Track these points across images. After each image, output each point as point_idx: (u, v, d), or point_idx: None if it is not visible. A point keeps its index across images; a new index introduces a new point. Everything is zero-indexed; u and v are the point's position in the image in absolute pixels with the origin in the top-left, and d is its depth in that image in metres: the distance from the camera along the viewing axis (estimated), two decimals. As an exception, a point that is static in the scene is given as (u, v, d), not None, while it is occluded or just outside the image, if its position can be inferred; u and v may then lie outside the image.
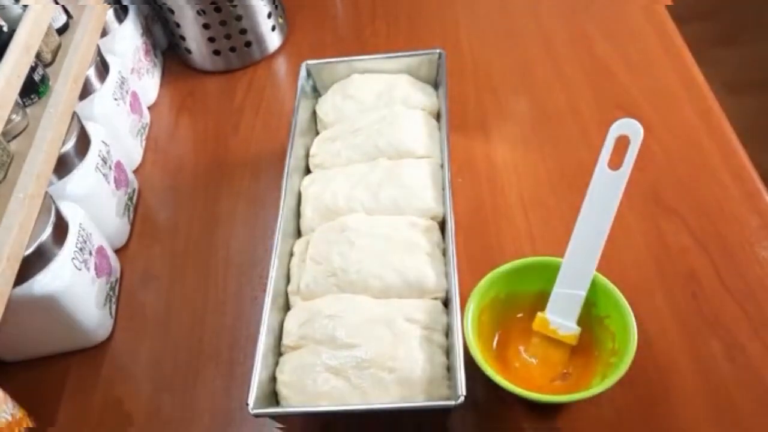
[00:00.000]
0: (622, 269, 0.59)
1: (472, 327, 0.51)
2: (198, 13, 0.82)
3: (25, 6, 0.60)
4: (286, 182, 0.62)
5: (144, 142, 0.81)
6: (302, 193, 0.64)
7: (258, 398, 0.49)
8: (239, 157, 0.78)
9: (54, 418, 0.58)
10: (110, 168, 0.68)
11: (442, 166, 0.64)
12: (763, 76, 1.81)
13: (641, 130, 0.48)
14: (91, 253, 0.61)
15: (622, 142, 0.48)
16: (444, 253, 0.58)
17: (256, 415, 0.48)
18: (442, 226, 0.60)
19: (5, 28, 0.58)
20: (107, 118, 0.71)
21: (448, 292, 0.55)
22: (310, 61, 0.73)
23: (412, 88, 0.71)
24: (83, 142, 0.65)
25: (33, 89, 0.60)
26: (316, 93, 0.75)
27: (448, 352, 0.52)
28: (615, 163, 0.49)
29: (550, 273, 0.53)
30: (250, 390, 0.49)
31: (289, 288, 0.58)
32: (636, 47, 0.80)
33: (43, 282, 0.55)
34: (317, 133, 0.72)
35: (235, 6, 0.82)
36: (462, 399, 0.46)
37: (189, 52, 0.87)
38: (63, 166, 0.63)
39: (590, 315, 0.53)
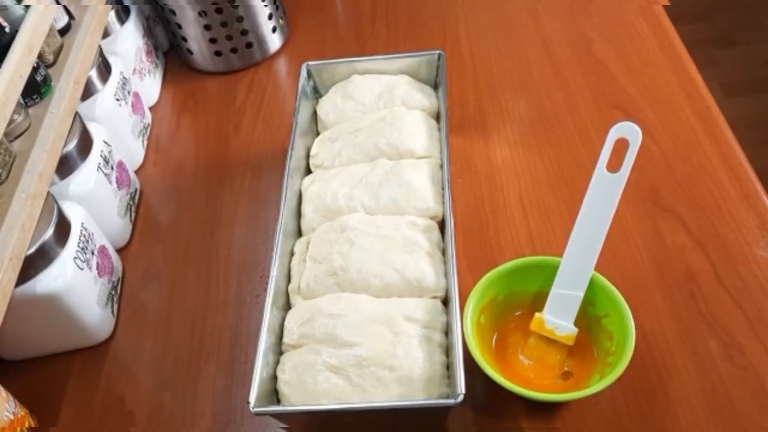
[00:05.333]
0: (621, 268, 0.60)
1: (471, 326, 0.51)
2: (199, 14, 0.82)
3: (27, 7, 0.60)
4: (286, 182, 0.62)
5: (146, 143, 0.81)
6: (303, 193, 0.65)
7: (259, 397, 0.49)
8: (240, 157, 0.78)
9: (56, 417, 0.59)
10: (112, 168, 0.69)
11: (441, 166, 0.64)
12: (760, 76, 1.82)
13: (640, 134, 0.48)
14: (93, 253, 0.61)
15: (621, 145, 0.49)
16: (443, 252, 0.59)
17: (257, 414, 0.48)
18: (442, 225, 0.61)
19: (7, 29, 0.58)
20: (109, 119, 0.72)
21: (447, 291, 0.55)
22: (310, 62, 0.73)
23: (412, 89, 0.71)
24: (85, 143, 0.65)
25: (35, 90, 0.60)
26: (317, 93, 0.75)
27: (448, 350, 0.52)
28: (614, 166, 0.49)
29: (549, 273, 0.53)
30: (251, 388, 0.49)
31: (290, 287, 0.59)
32: (634, 48, 0.80)
33: (45, 281, 0.55)
34: (318, 134, 0.72)
35: (236, 7, 0.82)
36: (461, 397, 0.46)
37: (190, 53, 0.87)
38: (65, 166, 0.63)
39: (588, 314, 0.53)
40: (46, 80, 0.62)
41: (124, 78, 0.76)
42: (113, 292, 0.65)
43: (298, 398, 0.51)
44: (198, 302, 0.65)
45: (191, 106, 0.86)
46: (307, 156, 0.69)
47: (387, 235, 0.58)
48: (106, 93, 0.72)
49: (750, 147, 0.73)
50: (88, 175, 0.65)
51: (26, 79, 0.56)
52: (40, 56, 0.62)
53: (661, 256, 0.61)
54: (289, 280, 0.59)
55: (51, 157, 0.57)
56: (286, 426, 0.56)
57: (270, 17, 0.86)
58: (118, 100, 0.74)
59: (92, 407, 0.59)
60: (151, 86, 0.86)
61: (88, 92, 0.70)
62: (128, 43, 0.81)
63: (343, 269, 0.57)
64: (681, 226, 0.63)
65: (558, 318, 0.53)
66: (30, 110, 0.60)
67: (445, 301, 0.56)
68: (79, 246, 0.58)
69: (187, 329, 0.63)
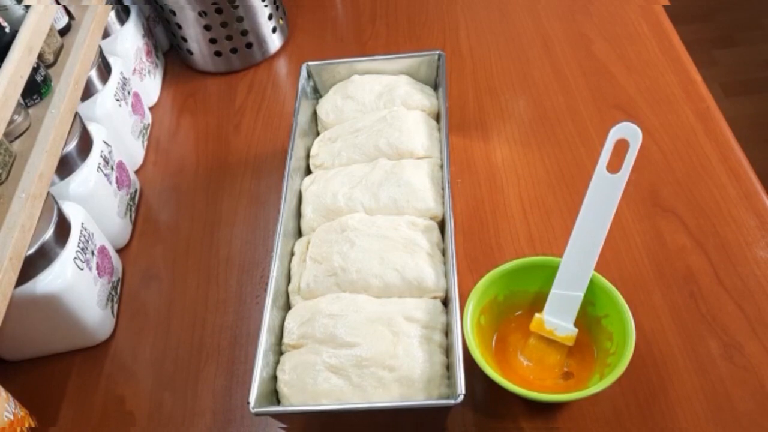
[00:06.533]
0: (620, 269, 0.60)
1: (471, 326, 0.51)
2: (199, 14, 0.82)
3: (27, 7, 0.60)
4: (287, 182, 0.62)
5: (146, 143, 0.81)
6: (303, 193, 0.65)
7: (259, 397, 0.49)
8: (240, 157, 0.78)
9: (56, 417, 0.59)
10: (112, 168, 0.69)
11: (441, 166, 0.64)
12: (760, 77, 1.82)
13: (640, 135, 0.48)
14: (93, 253, 0.61)
15: (622, 145, 0.49)
16: (443, 252, 0.59)
17: (257, 414, 0.48)
18: (442, 226, 0.61)
19: (8, 29, 0.58)
20: (109, 119, 0.72)
21: (447, 291, 0.55)
22: (310, 62, 0.73)
23: (412, 89, 0.71)
24: (85, 143, 0.65)
25: (35, 90, 0.60)
26: (317, 94, 0.75)
27: (448, 351, 0.52)
28: (614, 166, 0.49)
29: (549, 273, 0.53)
30: (251, 389, 0.49)
31: (290, 287, 0.59)
32: (634, 48, 0.80)
33: (46, 281, 0.55)
34: (318, 134, 0.72)
35: (236, 8, 0.82)
36: (461, 397, 0.46)
37: (190, 53, 0.87)
38: (65, 167, 0.63)
39: (588, 315, 0.53)
40: (46, 80, 0.62)
41: (124, 78, 0.76)
42: (113, 293, 0.65)
43: (298, 398, 0.51)
44: (198, 302, 0.65)
45: (191, 106, 0.86)
46: (307, 156, 0.69)
47: (387, 235, 0.58)
48: (106, 93, 0.72)
49: (750, 147, 0.73)
50: (88, 175, 0.65)
51: (26, 80, 0.56)
52: (40, 56, 0.62)
53: (661, 256, 0.61)
54: (289, 280, 0.59)
55: (51, 157, 0.57)
56: (285, 426, 0.56)
57: (270, 17, 0.86)
58: (118, 100, 0.74)
59: (92, 407, 0.59)
60: (151, 86, 0.86)
61: (88, 92, 0.70)
62: (128, 43, 0.81)
63: (343, 269, 0.57)
64: (681, 226, 0.63)
65: (558, 318, 0.53)
66: (30, 110, 0.60)
67: (445, 302, 0.56)
68: (79, 246, 0.58)
69: (187, 329, 0.63)
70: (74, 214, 0.60)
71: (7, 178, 0.54)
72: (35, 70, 0.59)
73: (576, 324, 0.53)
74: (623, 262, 0.61)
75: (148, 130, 0.82)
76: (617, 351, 0.50)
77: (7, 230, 0.51)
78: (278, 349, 0.55)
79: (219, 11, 0.82)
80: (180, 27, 0.84)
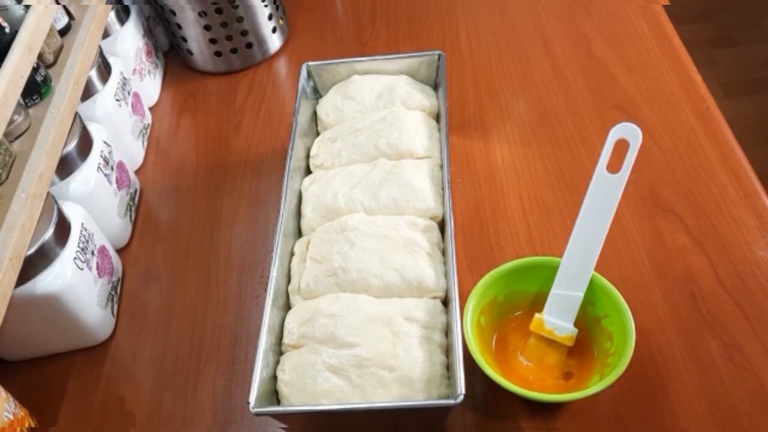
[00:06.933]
0: (620, 269, 0.60)
1: (471, 326, 0.51)
2: (199, 14, 0.82)
3: (27, 7, 0.60)
4: (287, 182, 0.62)
5: (146, 143, 0.81)
6: (303, 193, 0.65)
7: (259, 397, 0.49)
8: (240, 157, 0.78)
9: (56, 417, 0.59)
10: (112, 168, 0.69)
11: (441, 166, 0.64)
12: (760, 76, 1.82)
13: (640, 135, 0.48)
14: (93, 253, 0.61)
15: (622, 145, 0.49)
16: (443, 252, 0.59)
17: (257, 414, 0.48)
18: (442, 226, 0.61)
19: (8, 29, 0.58)
20: (109, 119, 0.72)
21: (447, 291, 0.55)
22: (310, 62, 0.74)
23: (412, 89, 0.71)
24: (85, 143, 0.65)
25: (35, 90, 0.60)
26: (317, 94, 0.75)
27: (448, 351, 0.52)
28: (614, 166, 0.49)
29: (549, 273, 0.53)
30: (251, 389, 0.49)
31: (290, 287, 0.59)
32: (634, 48, 0.80)
33: (46, 282, 0.55)
34: (318, 134, 0.72)
35: (236, 8, 0.82)
36: (461, 398, 0.46)
37: (190, 53, 0.87)
38: (65, 167, 0.63)
39: (588, 315, 0.53)
40: (46, 80, 0.62)
41: (124, 78, 0.76)
42: (113, 293, 0.65)
43: (297, 398, 0.51)
44: (198, 302, 0.65)
45: (191, 106, 0.86)
46: (307, 156, 0.69)
47: (387, 235, 0.58)
48: (106, 93, 0.72)
49: (750, 147, 0.73)
50: (88, 175, 0.65)
51: (26, 80, 0.56)
52: (40, 56, 0.62)
53: (661, 256, 0.61)
54: (289, 280, 0.59)
55: (51, 157, 0.57)
56: (285, 426, 0.56)
57: (270, 17, 0.86)
58: (118, 100, 0.74)
59: (92, 407, 0.59)
60: (151, 86, 0.86)
61: (88, 92, 0.70)
62: (128, 43, 0.81)
63: (343, 269, 0.57)
64: (681, 226, 0.63)
65: (558, 319, 0.53)
66: (30, 110, 0.60)
67: (445, 302, 0.56)
68: (79, 246, 0.58)
69: (187, 329, 0.63)
70: (74, 214, 0.60)
71: (7, 178, 0.54)
72: (35, 70, 0.59)
73: (576, 324, 0.53)
74: (623, 262, 0.61)
75: (148, 130, 0.82)
76: (617, 351, 0.50)
77: (7, 230, 0.51)
78: (278, 349, 0.55)
79: (219, 11, 0.82)
80: (180, 27, 0.84)
